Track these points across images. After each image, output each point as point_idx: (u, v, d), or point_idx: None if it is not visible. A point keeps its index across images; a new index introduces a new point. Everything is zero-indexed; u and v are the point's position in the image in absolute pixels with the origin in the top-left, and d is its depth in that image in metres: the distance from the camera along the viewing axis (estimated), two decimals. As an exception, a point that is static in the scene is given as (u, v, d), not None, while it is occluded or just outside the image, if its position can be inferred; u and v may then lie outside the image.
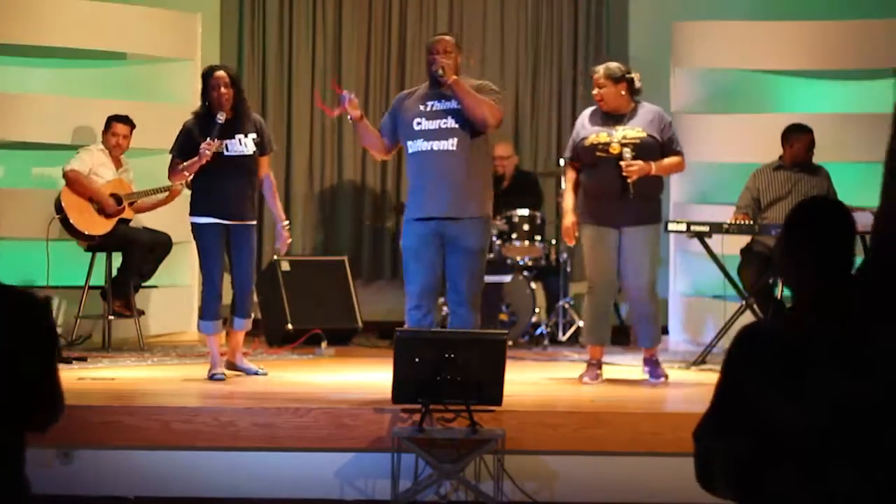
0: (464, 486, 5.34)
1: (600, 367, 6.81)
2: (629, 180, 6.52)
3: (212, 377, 6.56)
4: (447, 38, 6.30)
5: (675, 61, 8.96)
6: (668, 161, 6.65)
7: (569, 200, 6.81)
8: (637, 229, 6.64)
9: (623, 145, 6.57)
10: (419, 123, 6.12)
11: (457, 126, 6.09)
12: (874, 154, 9.14)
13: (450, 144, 6.08)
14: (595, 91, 6.68)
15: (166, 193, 7.83)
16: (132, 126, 8.08)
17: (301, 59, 9.64)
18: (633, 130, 6.63)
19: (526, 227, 8.70)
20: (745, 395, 2.63)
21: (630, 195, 6.52)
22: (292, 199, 9.65)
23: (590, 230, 6.72)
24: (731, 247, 7.76)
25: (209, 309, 6.61)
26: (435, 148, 6.08)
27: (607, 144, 6.60)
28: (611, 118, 6.68)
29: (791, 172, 7.83)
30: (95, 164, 7.94)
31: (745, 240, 7.76)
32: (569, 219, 6.76)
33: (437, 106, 6.15)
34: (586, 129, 6.70)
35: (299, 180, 9.67)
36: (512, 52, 9.80)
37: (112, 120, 8.05)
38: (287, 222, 6.85)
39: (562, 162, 9.16)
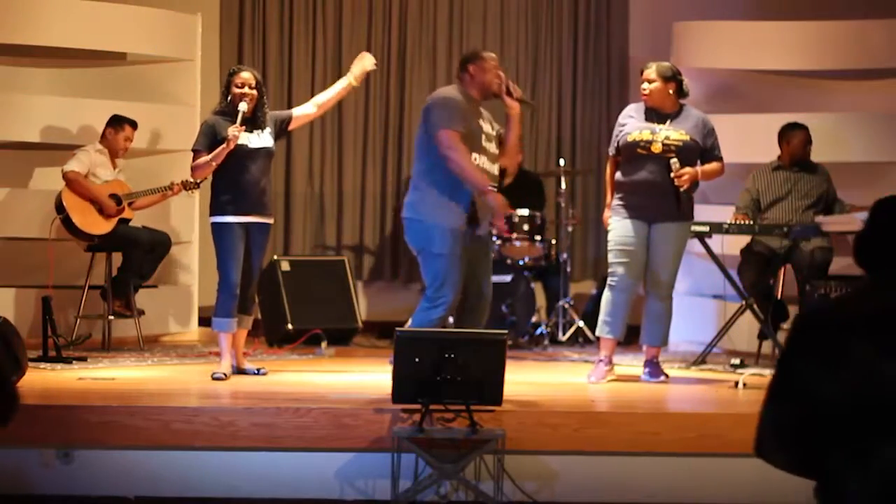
0: (464, 486, 5.34)
1: (609, 364, 6.77)
2: (682, 189, 6.58)
3: (213, 377, 6.55)
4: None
5: (675, 61, 8.92)
6: (710, 167, 6.71)
7: (609, 197, 6.81)
8: (669, 225, 6.67)
9: (665, 146, 6.59)
10: (482, 139, 6.10)
11: (497, 152, 6.20)
12: (874, 154, 9.23)
13: (495, 168, 6.17)
14: (644, 86, 6.69)
15: (170, 190, 7.82)
16: (136, 128, 8.11)
17: (301, 59, 9.64)
18: (676, 132, 6.64)
19: (526, 227, 8.70)
20: (798, 371, 2.70)
21: (680, 193, 6.60)
22: (292, 199, 9.66)
23: (621, 224, 6.69)
24: (731, 247, 7.76)
25: (226, 307, 6.60)
26: (493, 171, 6.13)
27: (649, 143, 6.61)
28: (655, 115, 6.68)
29: (790, 172, 7.83)
30: (94, 165, 7.93)
31: (745, 240, 7.76)
32: (607, 213, 6.78)
33: (487, 129, 6.15)
34: (630, 124, 6.70)
35: (299, 180, 9.67)
36: (512, 52, 9.80)
37: (124, 122, 8.03)
38: None
39: (562, 161, 9.20)
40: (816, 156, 7.89)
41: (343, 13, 9.68)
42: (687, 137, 6.63)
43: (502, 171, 9.14)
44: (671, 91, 6.66)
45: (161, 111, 8.68)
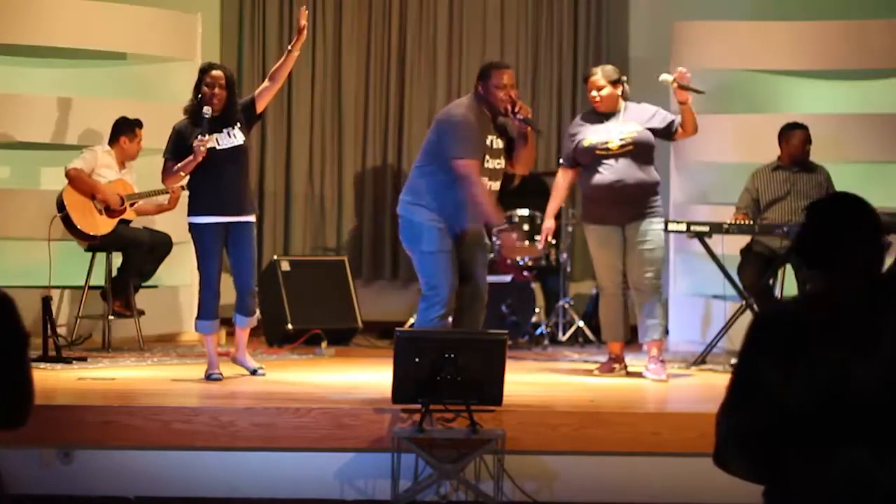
0: (464, 486, 5.34)
1: (618, 362, 7.01)
2: (686, 83, 6.81)
3: (209, 377, 6.55)
4: (511, 70, 6.29)
5: (675, 61, 8.94)
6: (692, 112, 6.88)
7: (553, 205, 7.07)
8: (639, 224, 6.80)
9: (622, 141, 6.77)
10: (487, 161, 6.10)
11: (502, 166, 6.21)
12: (874, 154, 9.23)
13: (496, 185, 6.20)
14: (594, 93, 6.82)
15: (168, 195, 7.80)
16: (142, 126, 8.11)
17: (301, 59, 9.60)
18: (628, 126, 6.82)
19: (526, 227, 8.71)
20: (759, 374, 2.69)
21: (647, 190, 6.78)
22: (292, 199, 9.65)
23: (594, 231, 6.94)
24: (731, 247, 7.76)
25: (206, 309, 6.60)
26: (493, 188, 6.14)
27: (606, 142, 6.79)
28: (604, 117, 6.88)
29: (790, 172, 7.82)
30: (99, 165, 7.93)
31: (745, 240, 7.76)
32: (548, 223, 7.03)
33: (495, 144, 6.15)
34: (581, 132, 6.90)
35: (299, 180, 9.67)
36: (512, 52, 9.80)
37: (134, 126, 8.02)
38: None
39: (562, 162, 9.19)
40: (816, 156, 7.89)
41: (343, 13, 9.67)
42: (641, 128, 6.81)
43: (510, 176, 9.18)
44: (619, 94, 6.87)
45: (161, 111, 8.65)
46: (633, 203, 6.78)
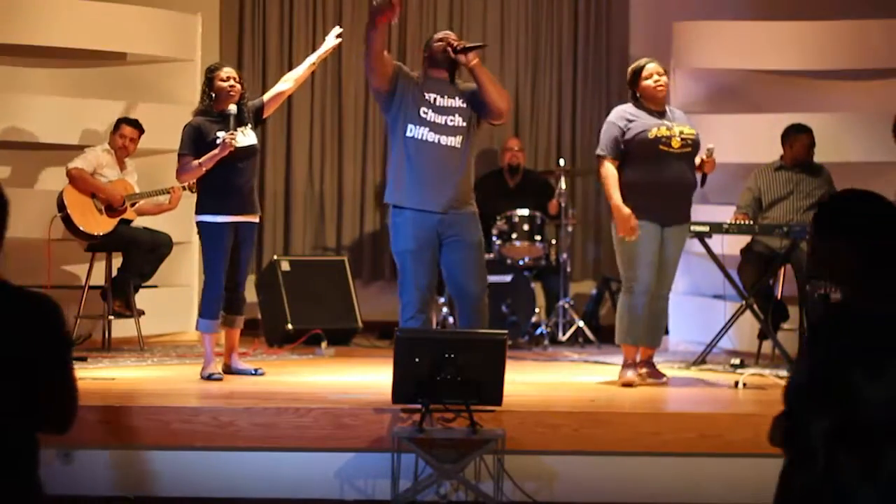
0: (464, 486, 5.34)
1: (635, 367, 6.62)
2: (707, 173, 6.64)
3: (209, 377, 6.55)
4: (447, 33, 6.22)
5: (675, 61, 8.96)
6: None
7: (618, 195, 6.45)
8: (678, 228, 6.62)
9: (683, 141, 6.48)
10: (426, 112, 5.99)
11: (463, 125, 6.03)
12: (874, 154, 9.23)
13: (456, 141, 6.01)
14: (661, 80, 6.52)
15: (168, 196, 7.80)
16: (141, 130, 8.06)
17: (301, 59, 9.59)
18: (685, 127, 6.56)
19: (526, 227, 8.71)
20: (830, 370, 2.65)
21: (691, 194, 6.62)
22: (292, 199, 9.66)
23: (644, 229, 6.47)
24: (731, 247, 7.76)
25: (212, 308, 6.58)
26: (442, 142, 5.98)
27: (670, 138, 6.47)
28: (657, 114, 6.55)
29: (792, 173, 7.83)
30: (100, 165, 7.94)
31: (745, 240, 7.76)
32: (626, 210, 6.41)
33: (441, 101, 6.03)
34: (639, 122, 6.50)
35: (299, 180, 9.67)
36: (512, 52, 9.81)
37: (121, 122, 8.04)
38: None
39: (562, 161, 9.19)
40: (816, 156, 7.89)
41: (343, 13, 9.68)
42: (694, 131, 6.59)
43: (512, 169, 9.17)
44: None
45: (161, 111, 8.67)
46: (680, 205, 6.59)
